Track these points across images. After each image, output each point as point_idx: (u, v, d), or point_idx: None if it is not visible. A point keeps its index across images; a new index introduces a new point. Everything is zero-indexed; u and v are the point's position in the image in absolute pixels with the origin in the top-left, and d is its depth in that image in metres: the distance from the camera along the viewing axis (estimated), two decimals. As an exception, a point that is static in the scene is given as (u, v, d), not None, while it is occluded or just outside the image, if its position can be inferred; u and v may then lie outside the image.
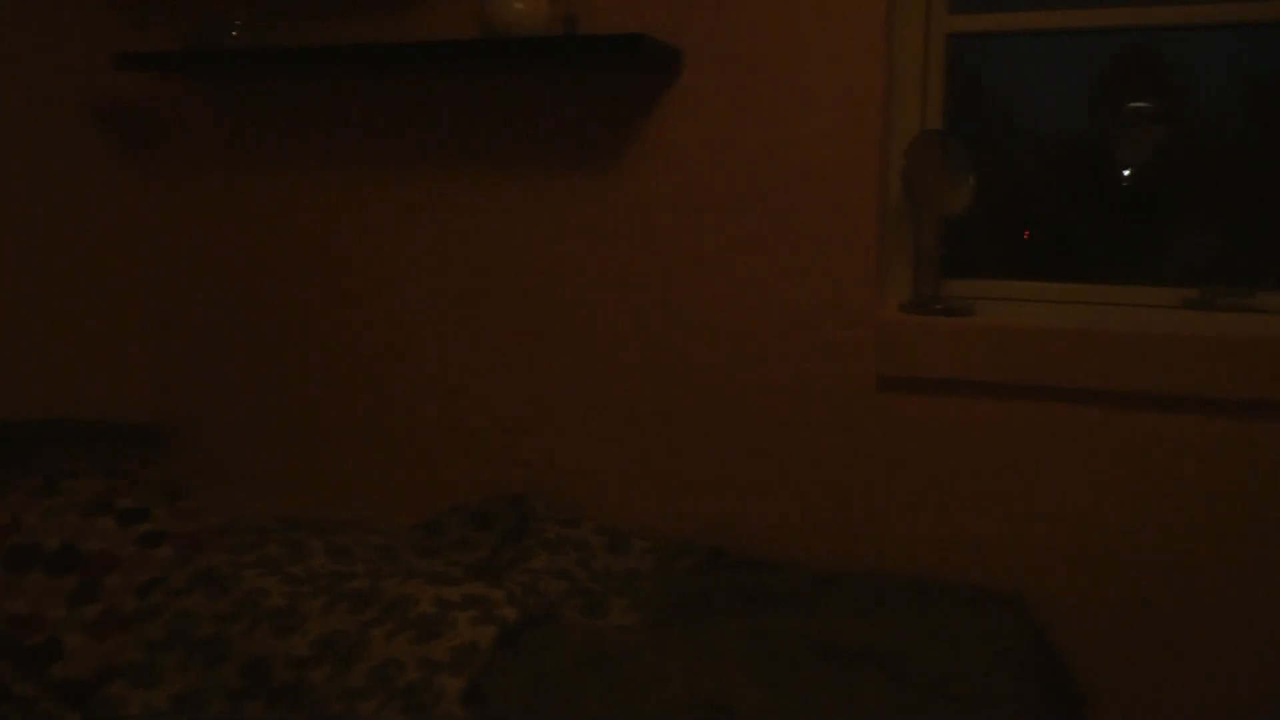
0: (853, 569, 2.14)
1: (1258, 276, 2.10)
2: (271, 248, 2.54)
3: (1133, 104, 2.18)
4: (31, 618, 1.88)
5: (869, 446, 2.14)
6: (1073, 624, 2.05)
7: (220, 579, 1.85)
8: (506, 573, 1.97)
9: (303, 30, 2.43)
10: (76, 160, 2.50)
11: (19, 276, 2.40)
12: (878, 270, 2.12)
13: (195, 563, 1.91)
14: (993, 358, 2.02)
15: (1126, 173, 2.20)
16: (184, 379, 2.67)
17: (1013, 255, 2.36)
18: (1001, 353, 2.01)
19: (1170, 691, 2.01)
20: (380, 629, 1.68)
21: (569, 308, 2.32)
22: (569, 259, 2.30)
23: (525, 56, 2.10)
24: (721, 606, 1.88)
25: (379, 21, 2.36)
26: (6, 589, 1.91)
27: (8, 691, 1.81)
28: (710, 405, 2.23)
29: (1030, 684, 1.68)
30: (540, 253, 2.32)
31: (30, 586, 1.91)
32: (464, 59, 2.14)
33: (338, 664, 1.64)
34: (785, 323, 2.17)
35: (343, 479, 2.55)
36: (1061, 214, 2.34)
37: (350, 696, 1.58)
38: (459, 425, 2.43)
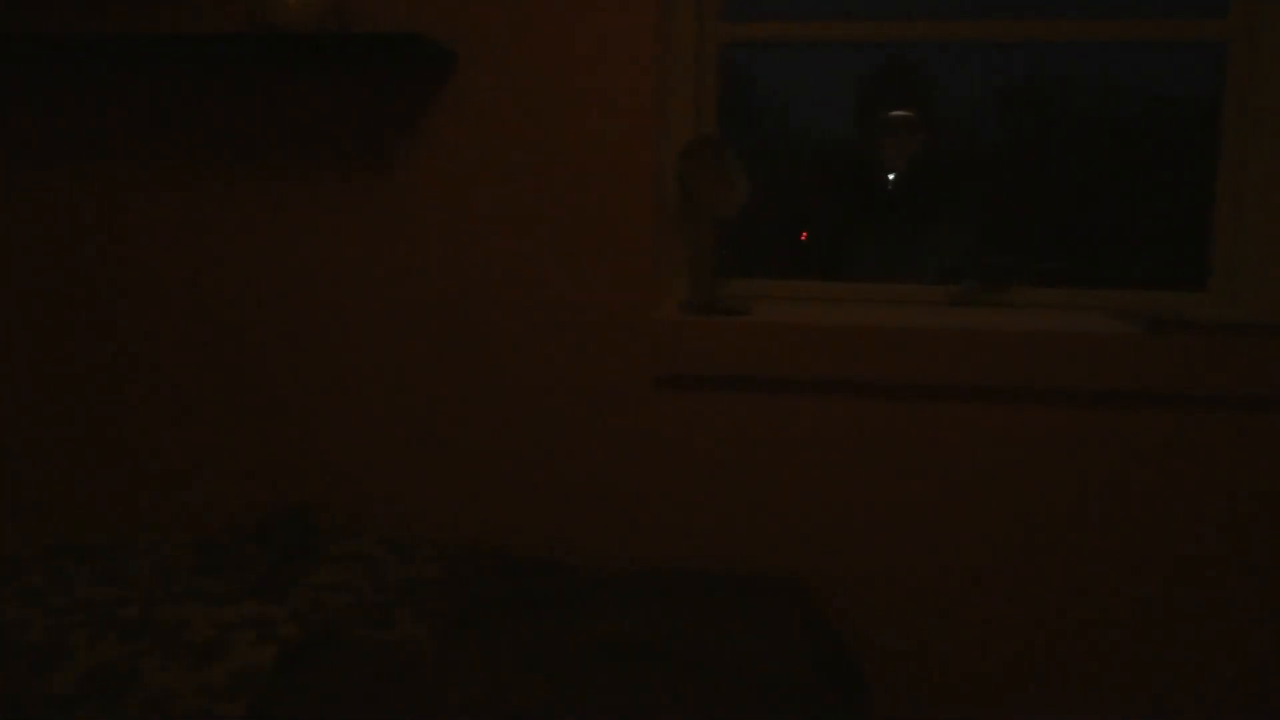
0: (636, 566, 2.18)
1: (1012, 273, 2.26)
2: (17, 255, 2.37)
3: (893, 113, 2.30)
4: None
5: (648, 444, 2.18)
6: (850, 606, 2.15)
7: (-30, 615, 1.72)
8: (288, 589, 1.92)
9: (54, 19, 2.27)
10: None
11: None
12: (655, 271, 2.16)
13: (-59, 599, 1.78)
14: (768, 354, 2.09)
15: (891, 177, 2.32)
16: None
17: (790, 256, 2.45)
18: (776, 349, 2.08)
19: (947, 668, 2.14)
20: (153, 658, 1.60)
21: (342, 312, 2.26)
22: (341, 261, 2.25)
23: (295, 54, 2.04)
24: (508, 611, 1.88)
25: (143, 12, 2.23)
26: None
27: None
28: (489, 408, 2.23)
29: (810, 666, 1.75)
30: (311, 255, 2.26)
31: None
32: (228, 54, 2.06)
33: (107, 699, 1.55)
34: (562, 323, 2.18)
35: (111, 500, 2.41)
36: (835, 216, 2.45)
37: (121, 732, 1.50)
38: (233, 438, 2.34)
